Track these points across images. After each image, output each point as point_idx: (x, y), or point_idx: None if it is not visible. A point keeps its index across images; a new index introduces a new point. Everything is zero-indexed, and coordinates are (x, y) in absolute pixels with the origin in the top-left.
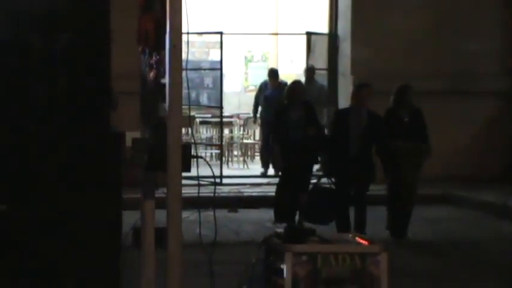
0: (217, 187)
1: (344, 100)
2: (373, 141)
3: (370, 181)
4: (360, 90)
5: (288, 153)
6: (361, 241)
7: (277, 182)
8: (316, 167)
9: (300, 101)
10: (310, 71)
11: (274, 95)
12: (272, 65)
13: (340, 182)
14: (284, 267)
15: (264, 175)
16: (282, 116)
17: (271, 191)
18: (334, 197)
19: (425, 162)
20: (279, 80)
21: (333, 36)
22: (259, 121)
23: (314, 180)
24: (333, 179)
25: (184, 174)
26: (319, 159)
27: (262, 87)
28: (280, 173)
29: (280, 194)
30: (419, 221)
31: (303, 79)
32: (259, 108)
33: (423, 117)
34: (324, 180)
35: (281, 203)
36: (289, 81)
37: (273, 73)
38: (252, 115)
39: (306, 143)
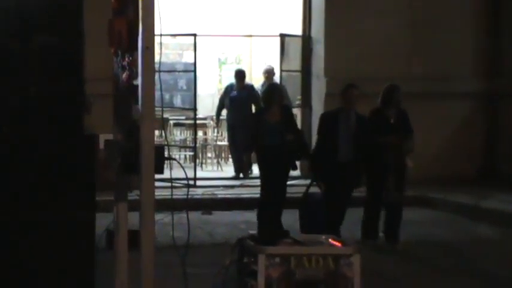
0: (191, 189)
1: (318, 102)
2: (361, 145)
3: (357, 187)
4: (348, 91)
5: (265, 159)
6: (335, 243)
7: (250, 182)
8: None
9: (277, 105)
10: (269, 72)
11: (239, 96)
12: (246, 67)
13: (331, 189)
14: (257, 269)
15: (236, 177)
16: (258, 120)
17: (244, 192)
18: (327, 205)
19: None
20: (245, 83)
21: (306, 38)
22: (223, 123)
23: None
24: (320, 185)
25: (157, 176)
26: (297, 165)
27: (228, 89)
28: (261, 184)
29: (262, 213)
30: None
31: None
32: (224, 111)
33: (408, 119)
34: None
35: (263, 223)
36: (256, 84)
37: (240, 74)
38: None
39: (284, 148)
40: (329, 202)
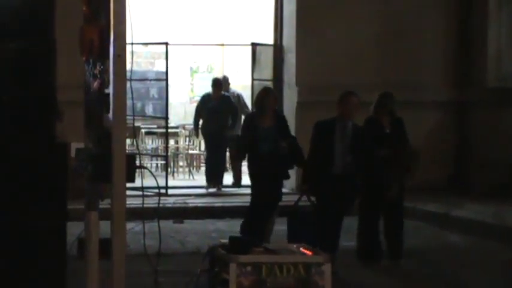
0: (163, 198)
1: (289, 111)
2: (358, 156)
3: (353, 201)
4: (346, 98)
5: (257, 166)
6: (306, 251)
7: (221, 192)
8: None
9: (270, 110)
10: (226, 82)
11: (217, 106)
12: (218, 76)
13: (323, 202)
14: (229, 277)
15: (207, 190)
16: (249, 126)
17: (216, 201)
18: (317, 219)
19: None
20: (222, 92)
21: (278, 47)
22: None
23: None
24: (312, 198)
25: (128, 185)
26: (289, 174)
27: (205, 99)
28: (252, 193)
29: (250, 223)
30: None
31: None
32: (201, 121)
33: (404, 127)
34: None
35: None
36: (237, 91)
37: (217, 83)
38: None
39: (277, 155)
40: (320, 216)
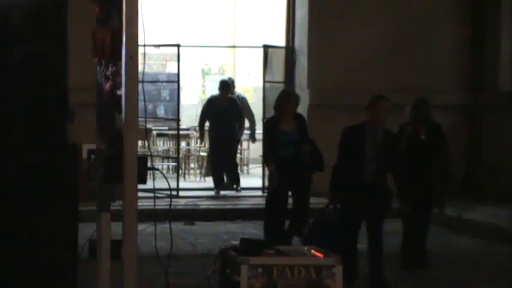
0: (174, 200)
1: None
2: (389, 164)
3: (386, 210)
4: (377, 103)
5: (280, 171)
6: (317, 254)
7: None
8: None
9: (291, 113)
10: (231, 84)
11: (225, 109)
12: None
13: (349, 211)
14: (240, 279)
15: (217, 194)
16: (271, 130)
17: (227, 203)
18: (341, 229)
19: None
20: (230, 95)
21: (289, 49)
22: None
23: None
24: (338, 206)
25: (140, 186)
26: (312, 179)
27: (212, 101)
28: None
29: (269, 223)
30: None
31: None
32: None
33: (442, 134)
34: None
35: (271, 235)
36: (242, 94)
37: (226, 85)
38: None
39: (299, 160)
40: (348, 226)
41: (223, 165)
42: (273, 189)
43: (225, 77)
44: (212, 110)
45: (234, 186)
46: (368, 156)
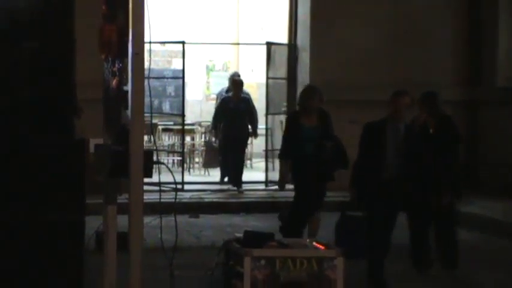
0: (179, 193)
1: None
2: (411, 160)
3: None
4: (398, 98)
5: (301, 168)
6: (318, 246)
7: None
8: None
9: (315, 108)
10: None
11: (238, 107)
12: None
13: (372, 208)
14: (243, 271)
15: (221, 181)
16: (293, 125)
17: (231, 197)
18: (367, 227)
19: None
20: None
21: (292, 46)
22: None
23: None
24: (360, 203)
25: (146, 180)
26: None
27: (226, 101)
28: (295, 195)
29: (294, 222)
30: None
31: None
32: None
33: (453, 127)
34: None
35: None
36: (246, 90)
37: (239, 84)
38: (211, 127)
39: (322, 156)
40: (372, 224)
41: (231, 161)
42: (282, 188)
43: (230, 72)
44: (226, 109)
45: (236, 188)
46: (390, 152)
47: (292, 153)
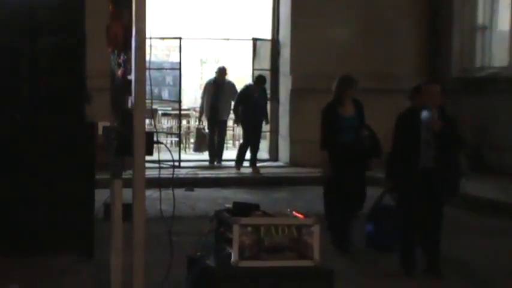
0: (176, 169)
1: (284, 97)
2: (447, 148)
3: (449, 195)
4: (429, 88)
5: (338, 158)
6: (298, 215)
7: (226, 164)
8: None
9: (350, 98)
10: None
11: (258, 99)
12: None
13: (409, 199)
14: (232, 236)
15: (211, 163)
16: (330, 115)
17: (222, 173)
18: (402, 217)
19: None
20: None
21: (274, 41)
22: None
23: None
24: (396, 195)
25: (147, 158)
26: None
27: (245, 93)
28: (326, 184)
29: (334, 216)
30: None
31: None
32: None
33: (447, 116)
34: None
35: (338, 229)
36: (231, 81)
37: (262, 80)
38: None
39: (359, 145)
40: (407, 215)
41: (251, 143)
42: (330, 179)
43: (220, 65)
44: (245, 100)
45: (250, 160)
46: (424, 141)
47: (334, 143)
